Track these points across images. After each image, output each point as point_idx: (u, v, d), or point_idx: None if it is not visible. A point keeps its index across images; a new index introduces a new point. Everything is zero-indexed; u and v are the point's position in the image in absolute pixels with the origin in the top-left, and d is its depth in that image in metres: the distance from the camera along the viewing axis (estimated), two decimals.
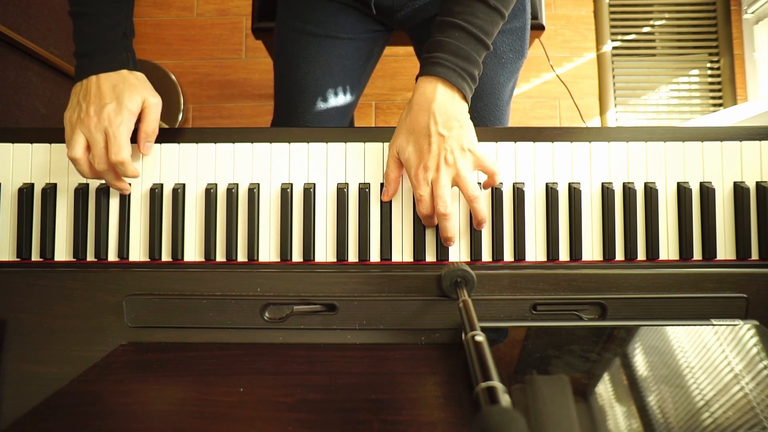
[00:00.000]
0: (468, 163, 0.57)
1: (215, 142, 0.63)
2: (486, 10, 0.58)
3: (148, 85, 0.62)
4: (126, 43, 0.62)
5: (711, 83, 1.90)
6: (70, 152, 0.58)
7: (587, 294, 0.57)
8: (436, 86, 0.57)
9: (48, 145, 0.63)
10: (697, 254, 0.60)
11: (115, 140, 0.57)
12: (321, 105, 0.85)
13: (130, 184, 0.61)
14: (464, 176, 0.56)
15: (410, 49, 0.97)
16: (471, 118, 0.59)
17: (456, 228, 0.59)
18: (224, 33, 1.91)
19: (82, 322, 0.57)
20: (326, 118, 0.87)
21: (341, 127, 0.71)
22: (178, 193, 0.61)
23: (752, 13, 1.84)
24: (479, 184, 0.60)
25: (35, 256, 0.61)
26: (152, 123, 0.61)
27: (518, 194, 0.60)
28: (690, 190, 0.60)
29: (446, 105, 0.57)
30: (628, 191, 0.61)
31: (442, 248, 0.60)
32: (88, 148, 0.59)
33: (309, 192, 0.61)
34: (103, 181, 0.62)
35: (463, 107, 0.59)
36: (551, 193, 0.61)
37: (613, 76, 1.91)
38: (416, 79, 0.60)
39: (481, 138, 0.60)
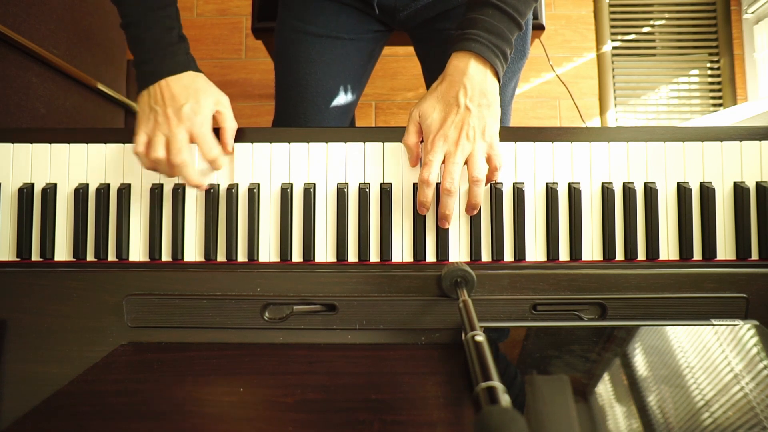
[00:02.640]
0: (484, 147, 0.58)
1: None
2: None
3: (214, 85, 0.63)
4: (184, 45, 0.62)
5: (711, 83, 1.90)
6: (153, 153, 0.58)
7: (587, 294, 0.57)
8: (469, 61, 0.58)
9: (48, 145, 0.63)
10: (697, 254, 0.60)
11: (205, 139, 0.58)
12: (322, 105, 0.86)
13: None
14: (477, 157, 0.57)
15: (410, 49, 0.97)
16: None
17: (453, 207, 0.59)
18: (224, 33, 1.92)
19: (82, 322, 0.57)
20: (327, 118, 0.87)
21: (341, 127, 0.71)
22: (178, 193, 0.61)
23: (752, 13, 1.84)
24: None
25: (35, 256, 0.61)
26: (233, 120, 0.62)
27: (518, 194, 0.60)
28: (690, 190, 0.60)
29: (478, 79, 0.58)
30: (628, 191, 0.61)
31: (442, 248, 0.60)
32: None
33: (309, 192, 0.61)
34: (104, 181, 0.62)
35: (495, 85, 0.59)
36: (551, 193, 0.61)
37: (613, 76, 1.91)
38: (449, 54, 0.60)
39: None
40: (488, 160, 0.59)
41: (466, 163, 0.58)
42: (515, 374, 0.46)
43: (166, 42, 0.60)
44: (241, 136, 0.63)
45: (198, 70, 0.62)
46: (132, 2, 0.60)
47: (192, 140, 0.59)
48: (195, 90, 0.59)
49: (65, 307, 0.57)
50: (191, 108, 0.58)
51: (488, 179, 0.60)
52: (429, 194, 0.57)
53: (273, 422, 0.40)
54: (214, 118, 0.61)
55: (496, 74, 0.59)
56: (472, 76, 0.58)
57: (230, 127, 0.61)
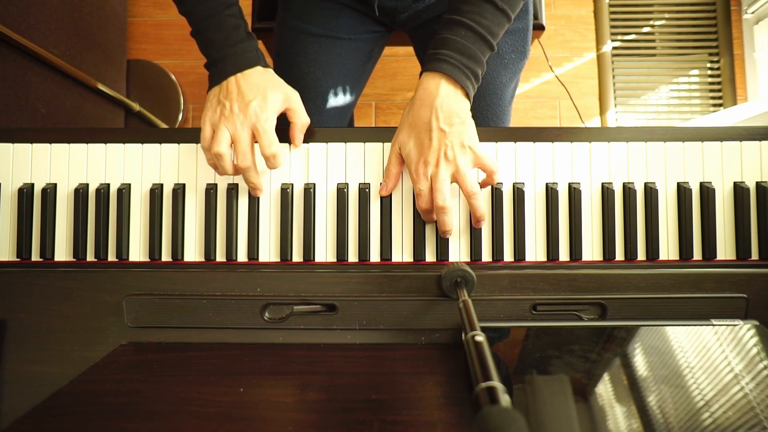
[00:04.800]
0: (468, 160, 0.57)
1: None
2: (493, 11, 0.59)
3: (283, 81, 0.63)
4: (253, 41, 0.62)
5: (711, 83, 1.90)
6: (216, 147, 0.57)
7: (587, 294, 0.57)
8: (440, 82, 0.58)
9: (48, 145, 0.63)
10: (697, 254, 0.60)
11: (266, 134, 0.58)
12: (320, 105, 0.86)
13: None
14: (463, 172, 0.57)
15: (410, 49, 0.97)
16: (473, 118, 0.60)
17: (453, 222, 0.59)
18: None
19: (82, 322, 0.57)
20: (326, 118, 0.87)
21: (341, 127, 0.71)
22: (178, 193, 0.61)
23: (752, 13, 1.84)
24: (478, 183, 0.60)
25: (35, 256, 0.61)
26: (304, 116, 0.62)
27: (518, 194, 0.60)
28: (690, 190, 0.60)
29: (449, 101, 0.57)
30: (628, 191, 0.61)
31: (442, 248, 0.60)
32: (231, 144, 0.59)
33: (309, 192, 0.61)
34: (104, 181, 0.62)
35: (466, 105, 0.59)
36: (551, 193, 0.61)
37: (613, 76, 1.91)
38: (420, 74, 0.60)
39: (482, 138, 0.60)
40: (481, 167, 0.59)
41: (454, 181, 0.57)
42: (505, 373, 0.46)
43: (234, 40, 0.61)
44: None
45: (267, 66, 0.62)
46: (198, 9, 0.61)
47: (254, 137, 0.59)
48: (264, 87, 0.59)
49: (65, 307, 0.57)
50: (258, 105, 0.58)
51: (489, 183, 0.60)
52: (432, 218, 0.59)
53: (273, 422, 0.40)
54: (285, 114, 0.61)
55: (467, 95, 0.59)
56: (443, 98, 0.57)
57: (301, 122, 0.61)
